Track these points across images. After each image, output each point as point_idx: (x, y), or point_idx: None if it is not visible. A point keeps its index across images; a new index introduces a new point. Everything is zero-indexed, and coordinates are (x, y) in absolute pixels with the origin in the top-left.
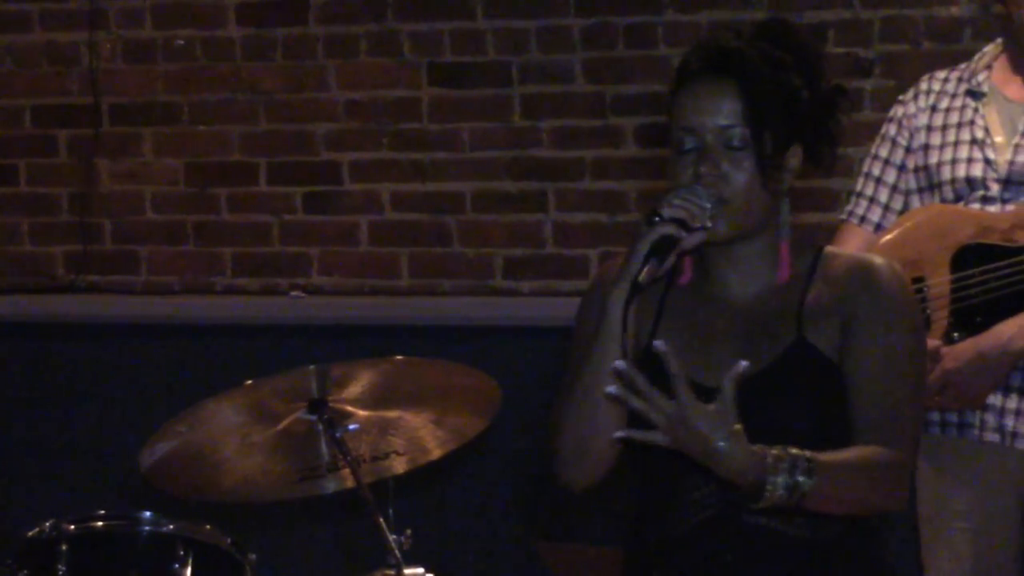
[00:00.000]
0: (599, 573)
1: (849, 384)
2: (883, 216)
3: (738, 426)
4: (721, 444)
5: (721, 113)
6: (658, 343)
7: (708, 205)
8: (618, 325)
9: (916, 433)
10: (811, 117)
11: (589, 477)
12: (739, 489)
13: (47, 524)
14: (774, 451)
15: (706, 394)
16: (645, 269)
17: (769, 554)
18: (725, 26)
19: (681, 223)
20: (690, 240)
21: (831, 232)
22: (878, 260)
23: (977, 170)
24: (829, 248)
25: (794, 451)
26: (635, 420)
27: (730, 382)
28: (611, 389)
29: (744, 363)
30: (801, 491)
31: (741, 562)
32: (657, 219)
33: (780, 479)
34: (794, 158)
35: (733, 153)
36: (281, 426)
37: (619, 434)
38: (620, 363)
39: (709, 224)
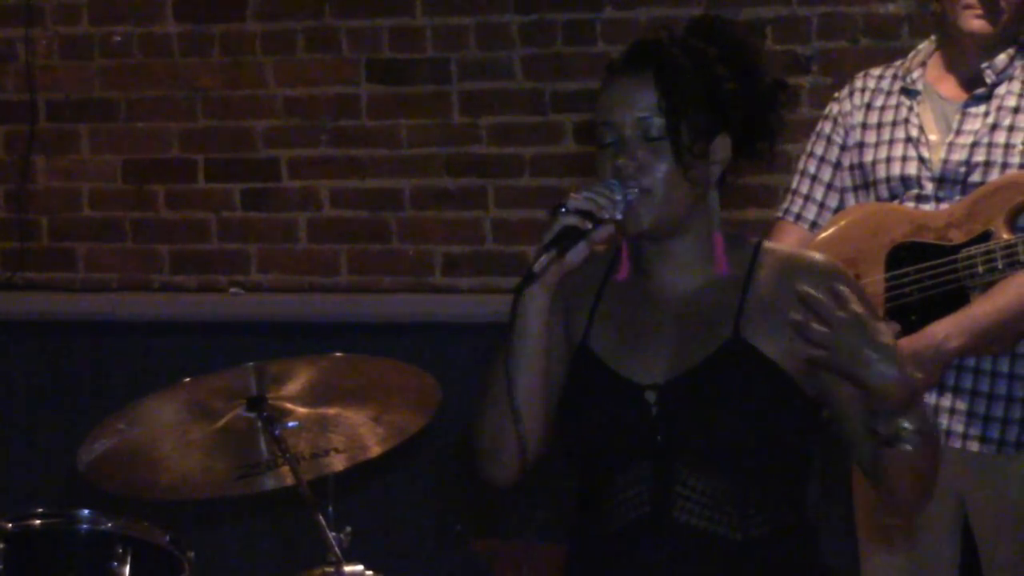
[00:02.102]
0: (538, 570)
1: (849, 391)
2: (819, 214)
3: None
4: (873, 355)
5: (638, 105)
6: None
7: (619, 198)
8: (518, 318)
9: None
10: (741, 109)
11: (509, 472)
12: (886, 403)
13: None
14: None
15: (638, 392)
16: (543, 259)
17: (699, 554)
18: (662, 22)
19: (587, 215)
20: (598, 232)
21: (769, 229)
22: (822, 258)
23: (912, 168)
24: (767, 243)
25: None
26: (567, 408)
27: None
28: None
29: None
30: (909, 440)
31: (671, 562)
32: (562, 210)
33: (916, 416)
34: (722, 150)
35: (652, 144)
36: (220, 423)
37: (815, 354)
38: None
39: (619, 216)
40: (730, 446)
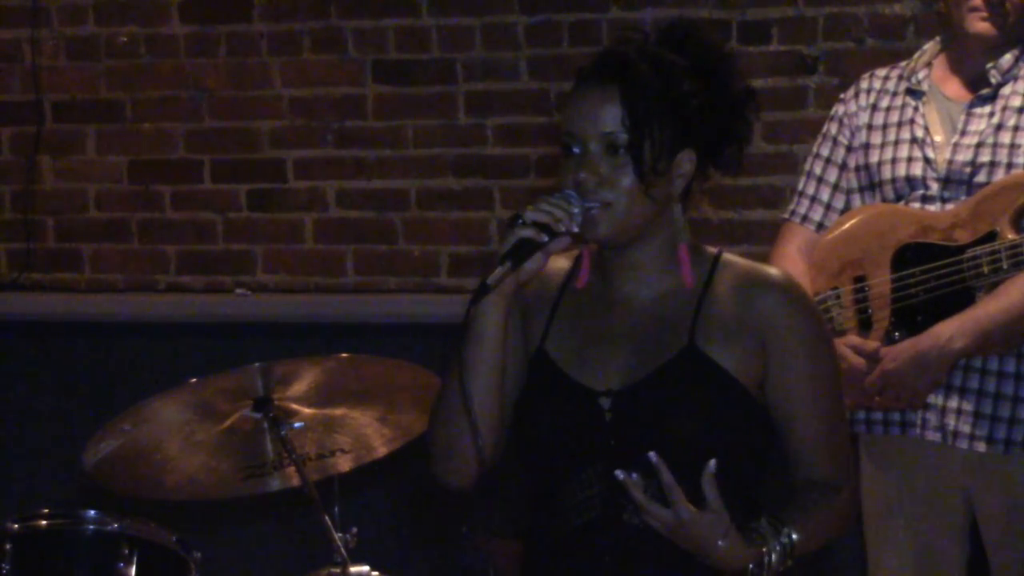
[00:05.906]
0: None
1: (783, 411)
2: (825, 215)
3: (728, 522)
4: (720, 544)
5: (603, 120)
6: (652, 455)
7: (576, 210)
8: (471, 327)
9: (851, 453)
10: (707, 121)
11: (461, 476)
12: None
13: None
14: (754, 526)
15: (593, 398)
16: (497, 271)
17: (651, 555)
18: (634, 26)
19: (543, 227)
20: (554, 244)
21: (775, 230)
22: (780, 275)
23: (917, 169)
24: (726, 255)
25: (765, 521)
26: (522, 411)
27: (710, 486)
28: (634, 476)
29: (712, 463)
30: (789, 553)
31: (623, 563)
32: (519, 222)
33: (774, 552)
34: (686, 164)
35: (615, 158)
36: (226, 424)
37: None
38: (652, 455)
39: (575, 229)
40: (682, 452)
